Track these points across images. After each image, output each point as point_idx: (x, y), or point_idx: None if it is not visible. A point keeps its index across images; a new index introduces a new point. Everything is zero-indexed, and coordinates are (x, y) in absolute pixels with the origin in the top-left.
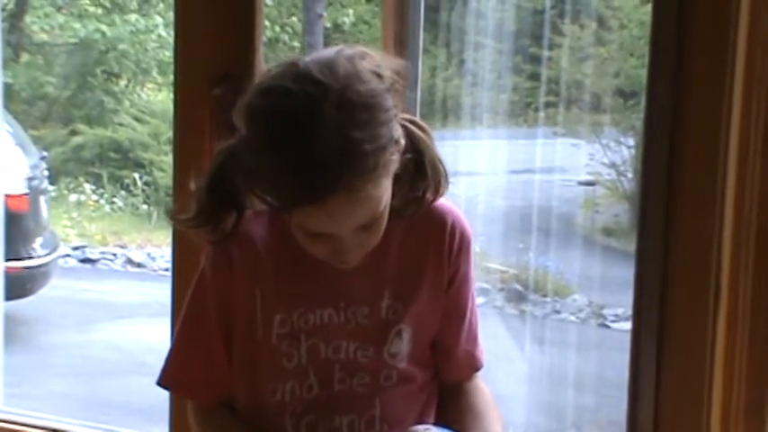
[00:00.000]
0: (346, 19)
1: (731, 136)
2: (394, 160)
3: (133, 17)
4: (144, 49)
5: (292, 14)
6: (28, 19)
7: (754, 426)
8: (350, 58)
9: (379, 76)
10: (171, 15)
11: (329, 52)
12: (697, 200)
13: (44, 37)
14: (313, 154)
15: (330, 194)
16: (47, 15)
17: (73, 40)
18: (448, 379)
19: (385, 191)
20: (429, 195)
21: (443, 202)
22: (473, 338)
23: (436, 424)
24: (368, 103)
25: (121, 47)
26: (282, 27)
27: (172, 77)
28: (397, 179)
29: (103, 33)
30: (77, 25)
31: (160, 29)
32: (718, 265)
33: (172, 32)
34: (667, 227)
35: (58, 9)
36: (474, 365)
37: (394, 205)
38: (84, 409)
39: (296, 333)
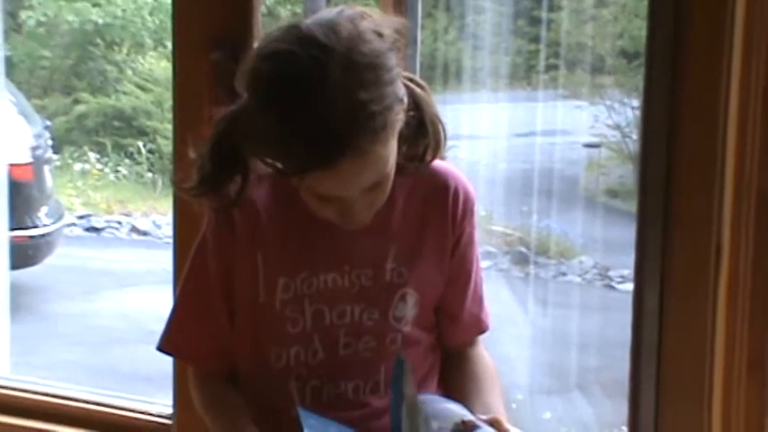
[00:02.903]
0: None
1: (731, 95)
2: (399, 119)
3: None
4: (137, 23)
5: None
6: (23, 14)
7: (757, 380)
8: (351, 19)
9: (380, 35)
10: None
11: (330, 13)
12: (697, 160)
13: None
14: (322, 118)
15: (340, 158)
16: (40, 4)
17: (73, 24)
18: (452, 342)
19: (392, 150)
20: (430, 153)
21: (446, 165)
22: (478, 301)
23: (442, 396)
24: (373, 63)
25: (119, 18)
26: None
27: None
28: (400, 137)
29: (95, 23)
30: (70, 17)
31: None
32: (719, 223)
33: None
34: (668, 187)
35: None
36: (479, 328)
37: (396, 163)
38: (90, 377)
39: (300, 298)
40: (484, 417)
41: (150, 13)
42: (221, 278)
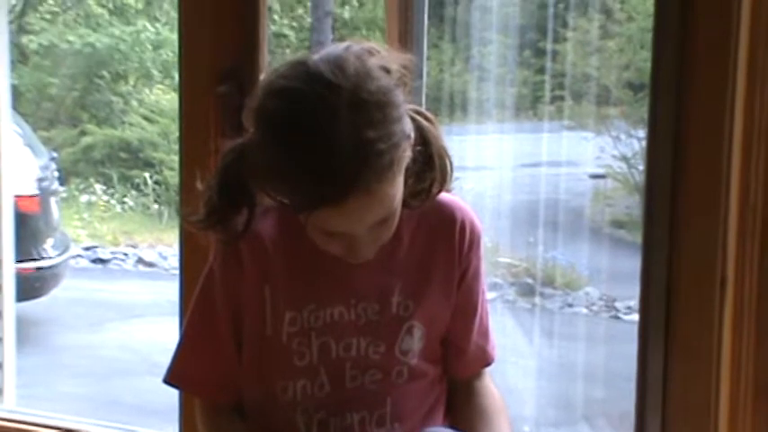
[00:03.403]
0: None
1: (735, 127)
2: (407, 155)
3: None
4: (142, 54)
5: (298, 8)
6: (25, 38)
7: (763, 410)
8: (359, 56)
9: (387, 71)
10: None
11: (337, 49)
12: (702, 192)
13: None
14: (330, 157)
15: (348, 196)
16: (44, 30)
17: (75, 47)
18: (458, 374)
19: (399, 187)
20: (436, 186)
21: (452, 197)
22: (484, 333)
23: (449, 427)
24: (380, 101)
25: (122, 48)
26: (290, 21)
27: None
28: (407, 171)
29: (93, 45)
30: (72, 37)
31: (147, 33)
32: (724, 255)
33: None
34: (673, 219)
35: (54, 16)
36: (485, 360)
37: (403, 197)
38: (96, 409)
39: (306, 331)
40: None
41: (156, 47)
42: (228, 311)
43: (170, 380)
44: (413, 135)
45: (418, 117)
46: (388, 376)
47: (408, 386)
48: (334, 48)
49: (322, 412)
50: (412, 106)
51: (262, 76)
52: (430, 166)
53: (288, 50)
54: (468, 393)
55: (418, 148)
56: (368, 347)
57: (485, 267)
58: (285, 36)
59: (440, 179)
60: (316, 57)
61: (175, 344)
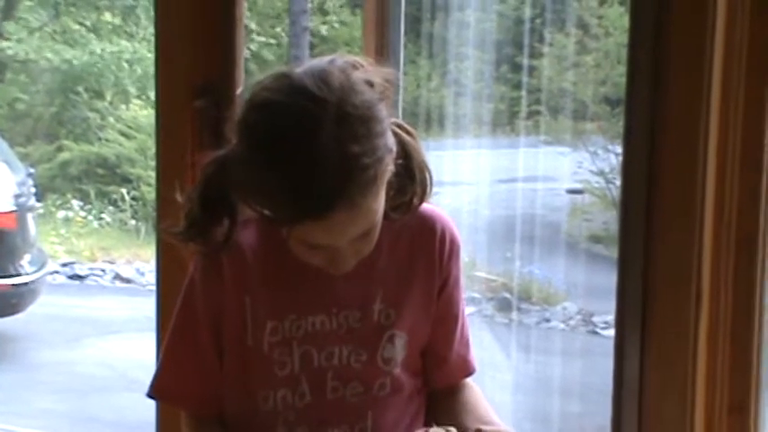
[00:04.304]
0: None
1: (710, 143)
2: (389, 169)
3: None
4: (118, 71)
5: (277, 26)
6: (4, 44)
7: (738, 425)
8: (343, 69)
9: (371, 85)
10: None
11: (321, 63)
12: (677, 207)
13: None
14: (314, 171)
15: (332, 210)
16: (20, 46)
17: (53, 62)
18: (440, 384)
19: (382, 200)
20: (416, 200)
21: (432, 207)
22: (465, 343)
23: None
24: (364, 115)
25: (99, 64)
26: (268, 38)
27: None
28: (388, 184)
29: (70, 62)
30: (49, 54)
31: (124, 49)
32: (699, 271)
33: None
34: (648, 234)
35: (31, 32)
36: (466, 370)
37: (384, 210)
38: (73, 425)
39: (288, 341)
40: (487, 428)
41: (133, 63)
42: (210, 321)
43: (153, 394)
44: (395, 149)
45: (400, 131)
46: (370, 389)
47: (389, 400)
48: (318, 61)
49: (303, 425)
50: (394, 120)
51: (239, 90)
52: (411, 179)
53: (266, 66)
54: (448, 393)
55: (400, 161)
56: (350, 356)
57: (463, 281)
58: (263, 55)
59: (420, 193)
60: (299, 70)
61: (155, 358)
